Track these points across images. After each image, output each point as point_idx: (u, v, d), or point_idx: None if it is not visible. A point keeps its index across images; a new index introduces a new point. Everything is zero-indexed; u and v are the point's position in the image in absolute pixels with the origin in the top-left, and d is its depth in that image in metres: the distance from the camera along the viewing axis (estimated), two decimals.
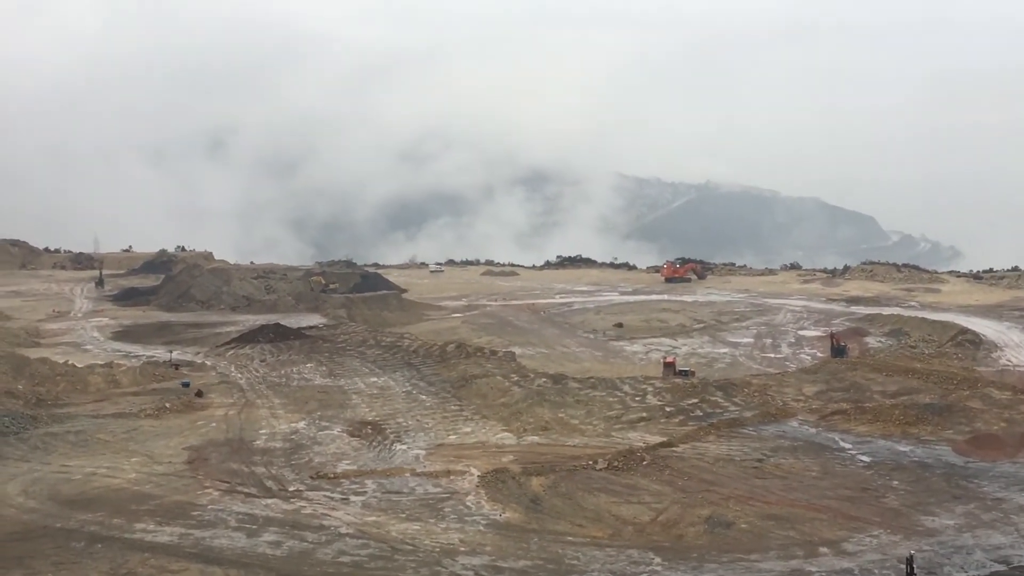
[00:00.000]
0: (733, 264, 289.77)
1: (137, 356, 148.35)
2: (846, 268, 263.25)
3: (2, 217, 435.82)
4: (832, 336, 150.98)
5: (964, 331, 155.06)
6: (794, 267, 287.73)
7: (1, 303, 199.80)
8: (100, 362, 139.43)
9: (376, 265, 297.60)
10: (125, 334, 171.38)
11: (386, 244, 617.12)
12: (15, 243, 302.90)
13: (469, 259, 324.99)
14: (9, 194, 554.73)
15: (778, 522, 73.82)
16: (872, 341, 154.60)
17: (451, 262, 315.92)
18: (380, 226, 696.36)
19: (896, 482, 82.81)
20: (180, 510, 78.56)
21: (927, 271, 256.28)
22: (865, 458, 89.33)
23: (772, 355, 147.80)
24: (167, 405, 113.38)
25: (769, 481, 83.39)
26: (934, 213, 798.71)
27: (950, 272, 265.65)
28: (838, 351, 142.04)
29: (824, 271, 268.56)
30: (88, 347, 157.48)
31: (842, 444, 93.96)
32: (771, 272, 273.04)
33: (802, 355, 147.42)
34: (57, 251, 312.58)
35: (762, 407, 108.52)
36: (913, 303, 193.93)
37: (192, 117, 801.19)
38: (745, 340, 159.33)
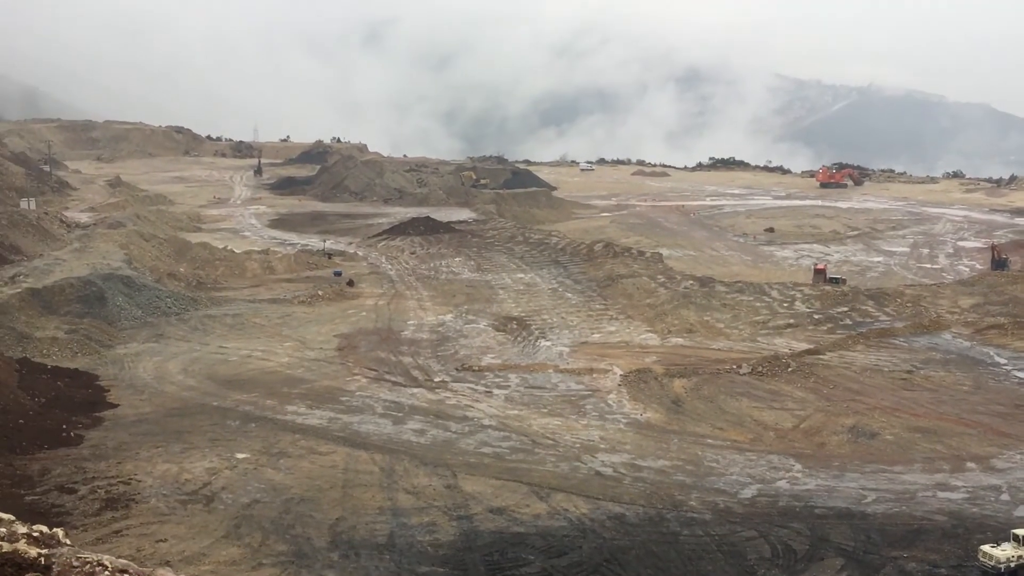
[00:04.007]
0: (892, 171, 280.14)
1: (292, 244, 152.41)
2: (1012, 178, 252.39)
3: (168, 104, 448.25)
4: (993, 248, 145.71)
5: None
6: (956, 176, 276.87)
7: (165, 188, 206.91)
8: (257, 248, 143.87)
9: (527, 162, 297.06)
10: (281, 222, 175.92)
11: (536, 140, 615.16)
12: (179, 130, 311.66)
13: (620, 158, 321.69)
14: (174, 82, 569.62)
15: (925, 435, 72.58)
16: None
17: (602, 161, 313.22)
18: (531, 122, 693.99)
19: None
20: (330, 395, 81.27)
21: None
22: (1021, 374, 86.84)
23: (928, 265, 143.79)
24: (319, 293, 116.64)
25: (918, 393, 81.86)
26: None
27: None
28: (999, 264, 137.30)
29: (989, 181, 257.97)
30: (246, 233, 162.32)
31: (997, 359, 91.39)
32: (932, 180, 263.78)
33: (960, 267, 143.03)
34: (218, 139, 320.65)
35: (914, 318, 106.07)
36: None
37: (350, 7, 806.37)
38: (901, 249, 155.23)
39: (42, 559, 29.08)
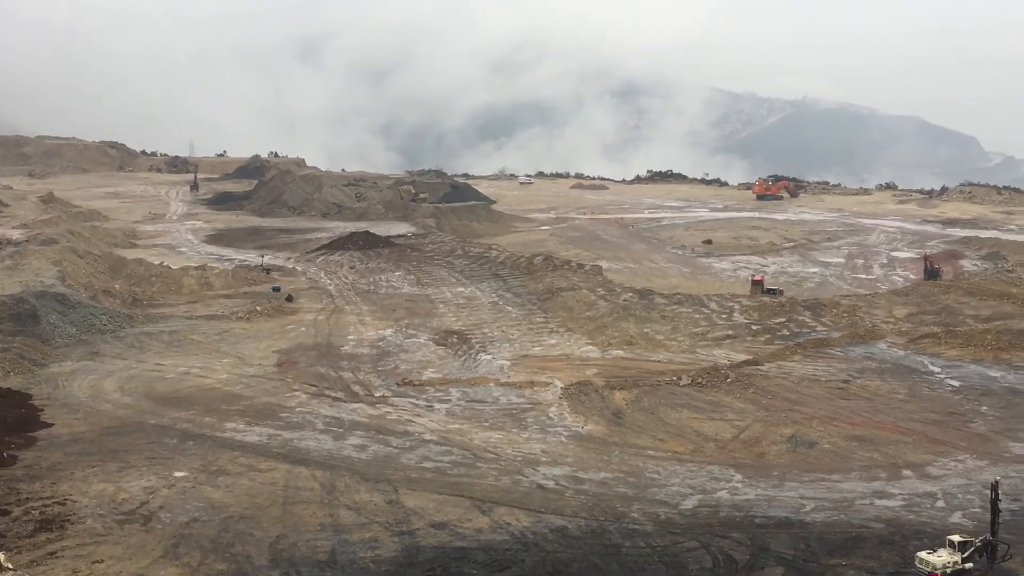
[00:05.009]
0: (827, 183, 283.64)
1: (230, 260, 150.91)
2: (944, 189, 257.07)
3: (101, 119, 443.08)
4: (926, 258, 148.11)
5: None
6: (889, 187, 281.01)
7: (99, 204, 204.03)
8: (194, 264, 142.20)
9: (466, 176, 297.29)
10: (218, 237, 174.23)
11: (474, 154, 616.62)
12: (113, 145, 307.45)
13: (559, 172, 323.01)
14: (108, 97, 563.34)
15: (862, 443, 73.43)
16: (967, 264, 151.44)
17: (541, 174, 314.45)
18: (469, 136, 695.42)
19: (985, 407, 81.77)
20: (269, 411, 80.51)
21: None
22: (954, 382, 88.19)
23: (863, 276, 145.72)
24: (258, 308, 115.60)
25: (854, 402, 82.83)
26: None
27: None
28: (932, 273, 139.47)
29: (921, 192, 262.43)
30: (182, 249, 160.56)
31: (931, 368, 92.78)
32: (866, 192, 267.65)
33: (894, 276, 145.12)
34: (153, 154, 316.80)
35: (850, 328, 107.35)
36: (1012, 226, 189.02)
37: (287, 22, 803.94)
38: (836, 260, 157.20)
39: None
